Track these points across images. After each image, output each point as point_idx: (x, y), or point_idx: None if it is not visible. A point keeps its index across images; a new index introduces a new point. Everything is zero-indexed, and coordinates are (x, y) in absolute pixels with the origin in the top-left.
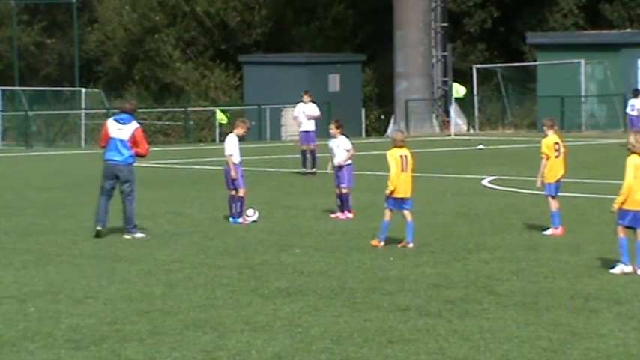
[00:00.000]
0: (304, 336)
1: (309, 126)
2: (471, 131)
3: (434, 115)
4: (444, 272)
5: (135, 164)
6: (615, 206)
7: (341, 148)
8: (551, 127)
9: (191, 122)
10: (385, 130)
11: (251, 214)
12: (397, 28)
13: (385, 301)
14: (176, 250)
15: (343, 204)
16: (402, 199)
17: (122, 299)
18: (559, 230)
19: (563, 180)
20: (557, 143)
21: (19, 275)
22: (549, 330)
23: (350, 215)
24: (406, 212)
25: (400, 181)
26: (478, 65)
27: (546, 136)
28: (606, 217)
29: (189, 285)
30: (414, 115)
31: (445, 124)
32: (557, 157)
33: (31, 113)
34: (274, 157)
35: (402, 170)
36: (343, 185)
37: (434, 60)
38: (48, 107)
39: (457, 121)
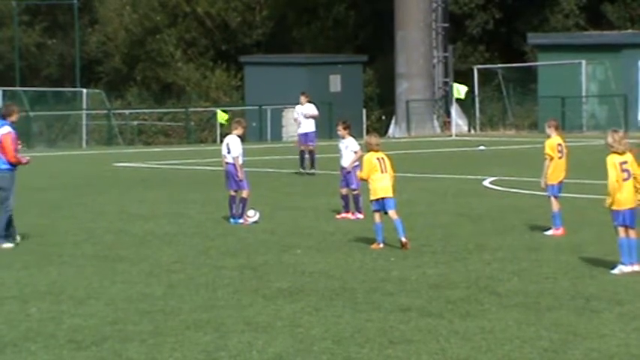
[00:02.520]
0: (305, 336)
1: (308, 127)
2: (472, 132)
3: (435, 116)
4: (445, 273)
5: (10, 170)
6: (606, 206)
7: (349, 149)
8: (555, 128)
9: (192, 123)
10: (386, 131)
11: (252, 215)
12: (398, 29)
13: (386, 302)
14: (177, 250)
15: (354, 204)
16: (382, 199)
17: (123, 300)
18: (560, 231)
19: (564, 181)
20: (560, 144)
21: (20, 276)
22: (551, 330)
23: (360, 216)
24: (391, 212)
25: (379, 182)
26: (479, 66)
27: (549, 137)
28: (607, 217)
29: (190, 286)
30: (415, 115)
31: (446, 124)
32: (560, 157)
33: (32, 114)
34: (275, 157)
35: (382, 172)
36: (353, 186)
37: (435, 61)
38: (49, 108)
39: (458, 121)
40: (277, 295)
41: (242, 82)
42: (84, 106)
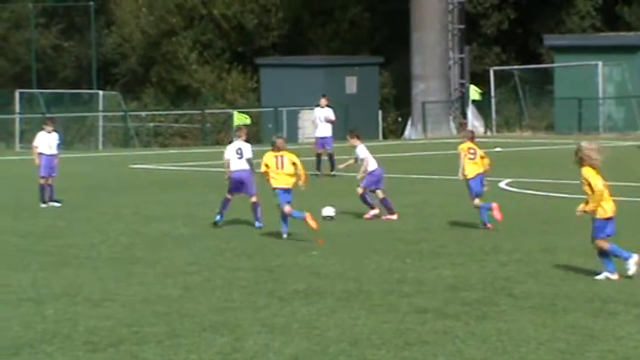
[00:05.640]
0: (321, 338)
1: (326, 131)
2: (488, 133)
3: (451, 118)
4: (461, 274)
5: None
6: (588, 210)
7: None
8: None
9: (208, 124)
10: (402, 133)
11: (328, 212)
12: (414, 30)
13: (402, 304)
14: (193, 252)
15: (385, 207)
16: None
17: (139, 301)
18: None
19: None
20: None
21: (36, 277)
22: (567, 332)
23: (393, 217)
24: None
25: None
26: (495, 67)
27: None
28: (623, 219)
29: (206, 287)
30: (431, 117)
31: (462, 126)
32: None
33: (48, 116)
34: None
35: (277, 167)
36: (378, 190)
37: (451, 62)
38: (66, 110)
39: (474, 123)
40: (293, 296)
41: (258, 84)
42: (100, 107)
